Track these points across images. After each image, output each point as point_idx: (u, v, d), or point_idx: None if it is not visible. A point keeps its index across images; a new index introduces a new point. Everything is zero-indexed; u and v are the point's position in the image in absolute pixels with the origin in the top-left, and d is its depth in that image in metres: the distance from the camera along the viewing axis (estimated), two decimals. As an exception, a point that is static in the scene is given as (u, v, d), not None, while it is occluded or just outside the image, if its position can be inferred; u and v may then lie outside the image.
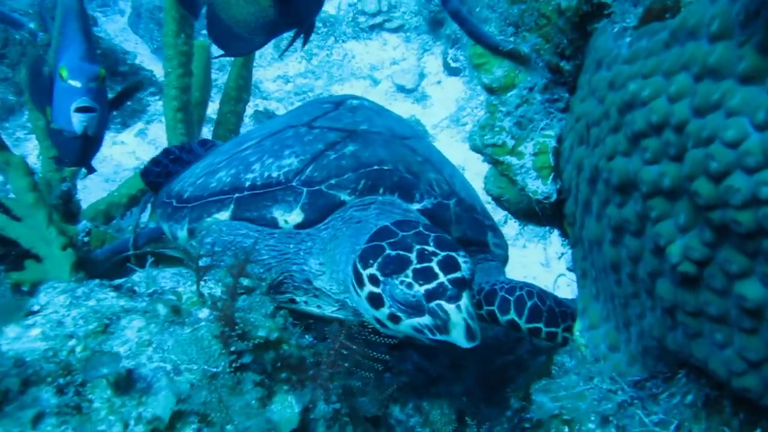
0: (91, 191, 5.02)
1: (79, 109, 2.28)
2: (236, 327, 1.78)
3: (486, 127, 1.61)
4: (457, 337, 1.86)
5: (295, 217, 2.31)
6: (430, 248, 1.89)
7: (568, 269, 1.85)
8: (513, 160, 1.59)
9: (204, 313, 1.88)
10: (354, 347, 1.96)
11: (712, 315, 1.06)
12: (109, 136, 5.44)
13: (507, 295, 2.27)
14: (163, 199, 2.71)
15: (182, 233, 2.45)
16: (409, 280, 1.86)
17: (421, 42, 6.86)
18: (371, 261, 1.95)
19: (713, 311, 1.06)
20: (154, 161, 3.12)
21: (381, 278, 1.92)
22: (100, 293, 1.96)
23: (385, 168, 2.34)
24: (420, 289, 1.85)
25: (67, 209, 3.39)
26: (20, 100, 6.41)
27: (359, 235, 2.16)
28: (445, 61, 6.45)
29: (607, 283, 1.37)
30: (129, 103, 6.05)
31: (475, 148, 1.66)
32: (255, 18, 2.85)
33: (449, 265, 1.85)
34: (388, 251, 1.93)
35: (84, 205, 3.68)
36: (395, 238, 1.96)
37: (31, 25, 6.98)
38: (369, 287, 1.96)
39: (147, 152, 5.89)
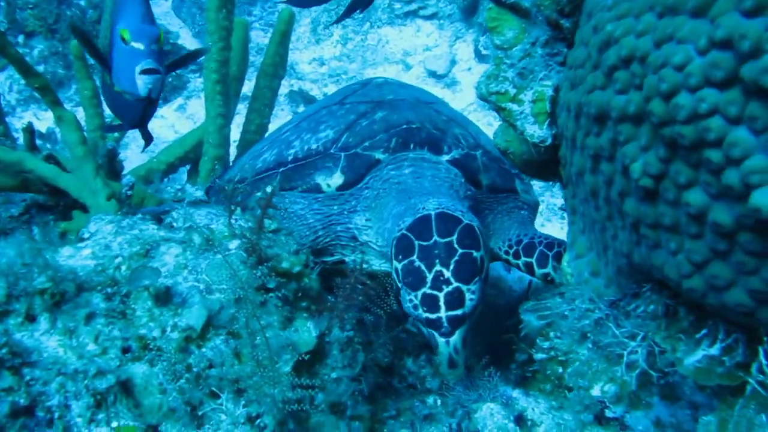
0: (131, 161, 5.26)
1: (144, 71, 2.26)
2: (262, 256, 1.99)
3: (491, 77, 1.80)
4: (441, 362, 2.13)
5: (336, 179, 2.55)
6: (447, 273, 2.10)
7: (560, 208, 2.03)
8: (514, 106, 1.77)
9: (234, 243, 2.10)
10: (368, 282, 2.17)
11: (666, 225, 1.24)
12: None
13: (546, 250, 2.48)
14: (215, 189, 2.98)
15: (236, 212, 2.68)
16: (416, 302, 2.11)
17: (453, 29, 7.02)
18: (400, 257, 2.20)
19: (667, 221, 1.23)
20: (216, 180, 3.39)
21: (401, 279, 2.17)
22: (143, 225, 2.19)
23: (414, 126, 2.56)
24: (422, 314, 2.10)
25: (112, 167, 3.62)
26: (69, 73, 6.69)
27: (405, 202, 2.38)
28: (476, 49, 6.61)
29: (589, 211, 1.55)
30: (174, 73, 6.29)
31: (482, 96, 1.85)
32: None
33: (454, 300, 2.07)
34: (414, 257, 2.15)
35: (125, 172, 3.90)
36: (428, 242, 2.16)
37: (81, 3, 7.29)
38: (394, 275, 2.22)
39: (185, 126, 6.14)
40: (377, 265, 2.59)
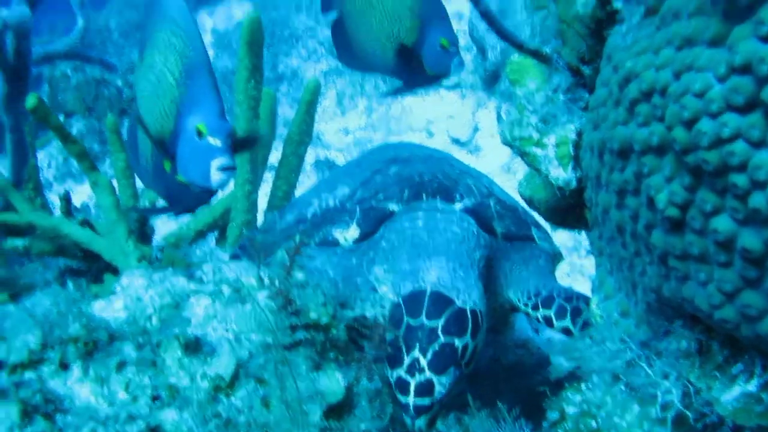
0: (159, 228, 5.34)
1: (221, 168, 2.19)
2: (291, 305, 2.01)
3: (515, 122, 1.84)
4: None
5: (353, 232, 2.61)
6: (423, 362, 2.15)
7: (588, 252, 2.03)
8: (537, 151, 1.80)
9: (263, 294, 2.12)
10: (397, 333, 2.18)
11: (695, 255, 1.24)
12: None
13: (565, 303, 2.48)
14: (240, 254, 3.06)
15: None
16: (392, 381, 2.18)
17: (476, 98, 7.15)
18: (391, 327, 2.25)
19: (695, 251, 1.23)
20: (241, 247, 3.47)
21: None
22: (173, 278, 2.22)
23: (425, 177, 2.63)
24: (395, 392, 2.17)
25: (143, 232, 3.70)
26: (104, 149, 6.92)
27: (414, 261, 2.42)
28: (498, 115, 6.70)
29: (616, 250, 1.55)
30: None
31: (506, 142, 1.89)
32: (379, 53, 2.89)
33: (423, 390, 2.13)
34: (400, 334, 2.22)
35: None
36: (415, 322, 2.21)
37: (118, 83, 7.58)
38: None
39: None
40: None
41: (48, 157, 7.18)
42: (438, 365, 2.15)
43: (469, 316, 2.23)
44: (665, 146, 1.24)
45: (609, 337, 1.59)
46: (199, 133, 2.19)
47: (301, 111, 4.65)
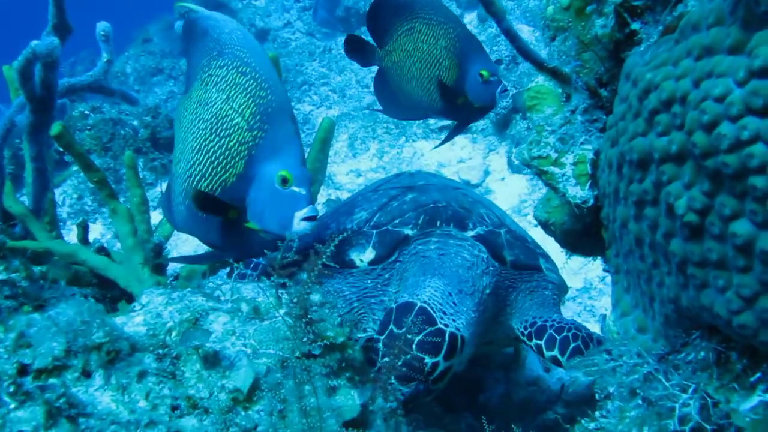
0: (173, 265, 5.37)
1: (305, 218, 2.15)
2: (309, 320, 2.03)
3: (533, 142, 1.89)
4: None
5: (368, 255, 2.70)
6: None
7: (604, 270, 2.06)
8: (555, 169, 1.84)
9: (281, 311, 2.14)
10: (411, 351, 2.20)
11: (714, 261, 1.27)
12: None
13: (555, 334, 2.54)
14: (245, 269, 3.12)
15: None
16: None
17: (487, 143, 7.24)
18: (377, 329, 2.45)
19: (714, 257, 1.26)
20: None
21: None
22: (192, 297, 2.25)
23: (440, 205, 2.72)
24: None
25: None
26: (118, 187, 7.00)
27: (419, 276, 2.48)
28: (509, 160, 6.78)
29: (633, 264, 1.57)
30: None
31: (524, 161, 1.93)
32: (425, 99, 2.91)
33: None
34: (382, 338, 2.36)
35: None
36: (398, 331, 2.34)
37: (134, 123, 7.71)
38: None
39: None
40: None
41: (62, 194, 7.30)
42: (402, 376, 2.24)
43: (447, 338, 2.31)
44: (685, 154, 1.28)
45: (626, 351, 1.61)
46: (284, 181, 2.13)
47: (315, 149, 4.72)
